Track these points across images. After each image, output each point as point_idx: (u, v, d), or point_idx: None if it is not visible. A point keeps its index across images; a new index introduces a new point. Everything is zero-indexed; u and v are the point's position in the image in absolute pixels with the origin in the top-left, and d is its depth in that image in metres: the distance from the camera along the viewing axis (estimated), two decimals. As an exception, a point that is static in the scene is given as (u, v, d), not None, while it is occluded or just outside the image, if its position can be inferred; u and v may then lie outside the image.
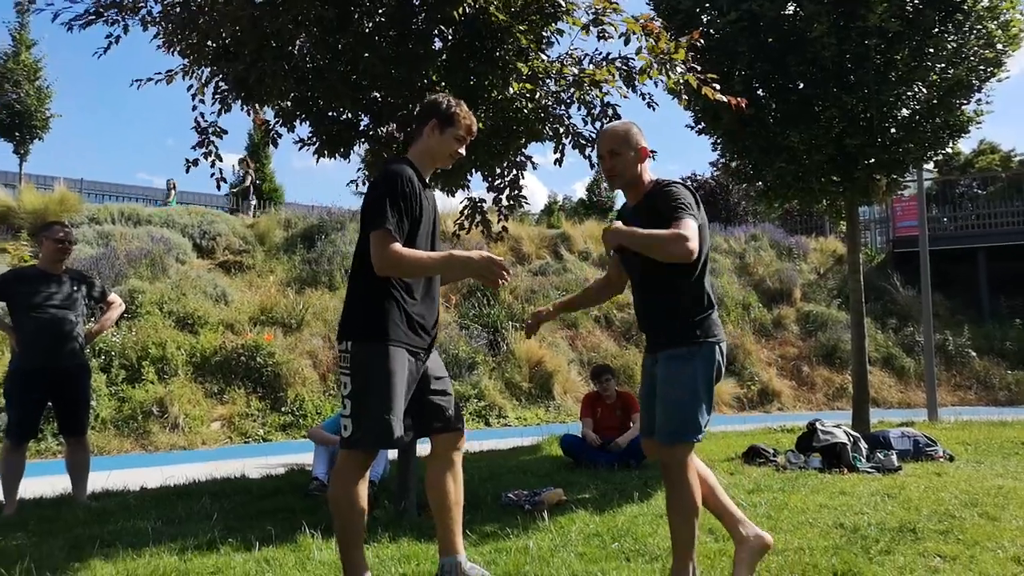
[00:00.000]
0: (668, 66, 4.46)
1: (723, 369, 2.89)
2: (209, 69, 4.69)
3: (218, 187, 5.01)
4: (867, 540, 3.45)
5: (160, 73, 4.82)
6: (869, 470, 5.47)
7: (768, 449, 6.14)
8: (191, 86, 4.83)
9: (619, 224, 2.81)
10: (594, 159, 4.90)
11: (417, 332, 2.87)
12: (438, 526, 3.04)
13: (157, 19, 4.56)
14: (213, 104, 4.81)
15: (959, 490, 4.59)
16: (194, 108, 4.81)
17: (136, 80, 4.86)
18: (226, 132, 4.84)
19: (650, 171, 2.98)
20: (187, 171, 4.84)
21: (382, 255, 2.72)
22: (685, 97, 4.89)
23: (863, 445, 5.85)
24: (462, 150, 3.04)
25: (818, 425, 5.96)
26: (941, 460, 5.98)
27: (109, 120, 77.59)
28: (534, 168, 5.42)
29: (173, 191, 17.50)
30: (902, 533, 3.56)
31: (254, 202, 16.59)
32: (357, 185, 5.77)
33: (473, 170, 5.32)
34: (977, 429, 8.28)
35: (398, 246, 2.73)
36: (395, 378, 2.77)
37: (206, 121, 4.81)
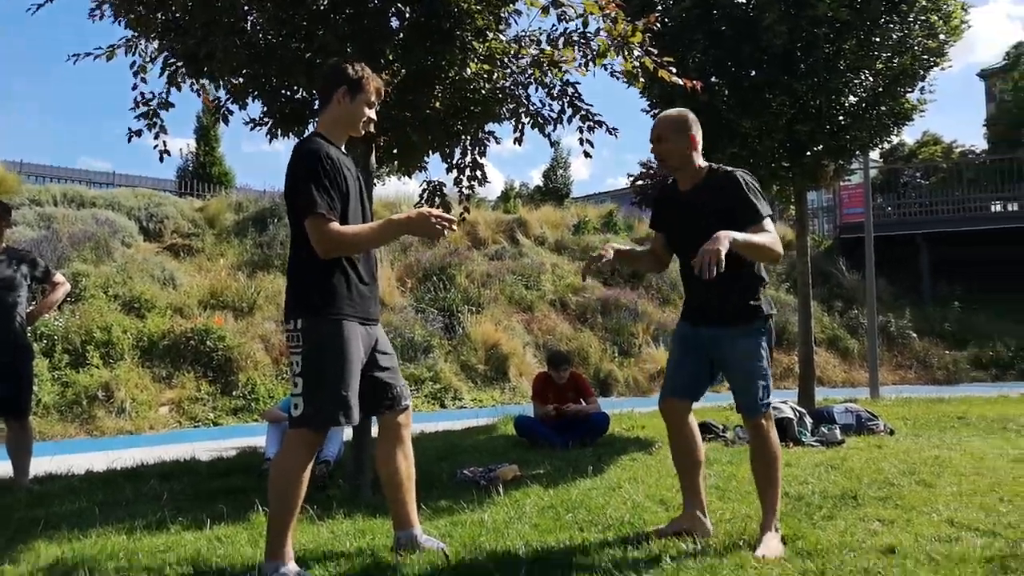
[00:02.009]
0: (625, 49, 4.50)
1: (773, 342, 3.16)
2: (157, 43, 4.55)
3: (161, 159, 4.87)
4: (811, 507, 3.58)
5: (100, 48, 4.65)
6: (814, 443, 5.65)
7: (718, 425, 6.29)
8: (134, 63, 4.68)
9: (725, 237, 2.79)
10: (554, 137, 4.93)
11: (366, 301, 2.85)
12: (391, 502, 3.05)
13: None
14: (160, 78, 4.68)
15: (898, 460, 4.78)
16: (135, 87, 4.66)
17: (74, 55, 4.68)
18: (172, 105, 4.70)
19: (700, 158, 3.15)
20: (128, 140, 4.69)
21: (322, 240, 2.69)
22: (641, 80, 4.92)
23: (808, 420, 6.04)
24: (373, 114, 2.98)
25: (766, 402, 6.12)
26: (882, 434, 6.21)
27: (50, 103, 74.72)
28: (497, 143, 5.41)
29: None
30: (844, 500, 3.70)
31: None
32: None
33: (431, 151, 5.29)
34: (916, 405, 8.61)
35: (335, 226, 2.70)
36: (350, 352, 2.75)
37: (152, 96, 4.67)
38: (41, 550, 3.25)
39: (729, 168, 3.12)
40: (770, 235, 2.95)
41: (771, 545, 2.89)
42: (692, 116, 3.15)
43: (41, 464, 5.32)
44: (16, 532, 3.61)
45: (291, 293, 2.84)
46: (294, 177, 2.77)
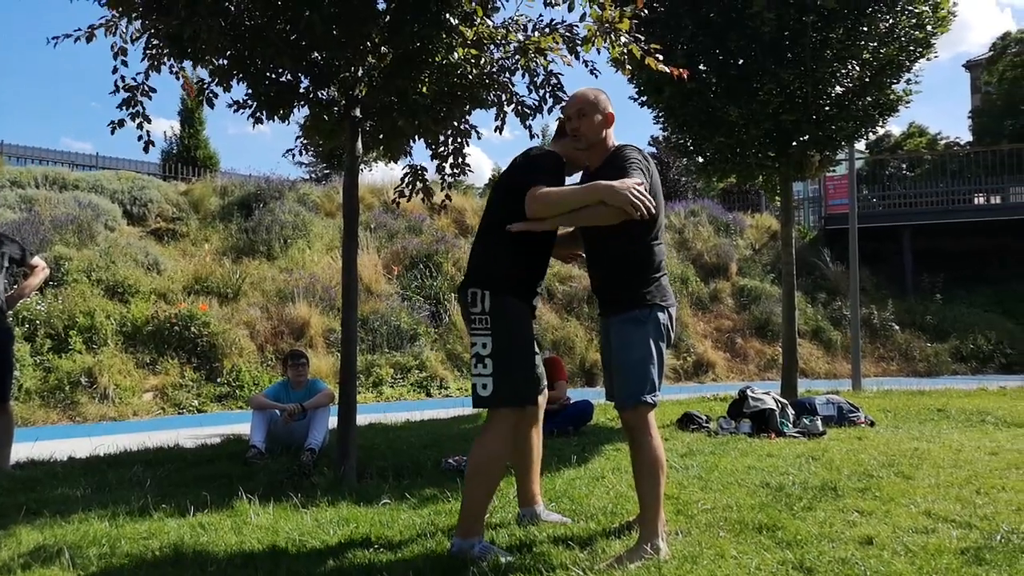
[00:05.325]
0: (612, 35, 4.47)
1: (672, 334, 2.96)
2: (139, 23, 4.47)
3: (145, 150, 4.77)
4: (791, 498, 3.61)
5: (80, 29, 4.55)
6: (795, 434, 5.70)
7: (701, 416, 6.33)
8: (114, 44, 4.59)
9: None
10: (535, 128, 4.91)
11: (535, 293, 3.05)
12: (521, 479, 3.26)
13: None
14: (142, 63, 4.60)
15: (878, 452, 4.84)
16: (115, 70, 4.57)
17: (54, 37, 4.57)
18: (155, 91, 4.62)
19: (614, 138, 3.04)
20: (112, 132, 4.61)
21: (529, 201, 2.81)
22: (628, 68, 4.90)
23: (790, 411, 6.08)
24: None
25: (748, 392, 6.17)
26: (863, 425, 6.27)
27: (32, 84, 73.56)
28: (479, 138, 5.37)
29: None
30: (824, 491, 3.73)
31: None
32: (294, 155, 5.64)
33: (416, 136, 5.25)
34: (897, 398, 8.70)
35: (541, 187, 2.82)
36: (531, 333, 3.02)
37: (135, 81, 4.59)
38: (23, 536, 3.24)
39: (626, 144, 2.97)
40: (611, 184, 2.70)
41: (630, 558, 2.66)
42: (606, 94, 3.03)
43: (23, 450, 5.28)
44: (-4, 518, 3.58)
45: (481, 266, 2.99)
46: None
